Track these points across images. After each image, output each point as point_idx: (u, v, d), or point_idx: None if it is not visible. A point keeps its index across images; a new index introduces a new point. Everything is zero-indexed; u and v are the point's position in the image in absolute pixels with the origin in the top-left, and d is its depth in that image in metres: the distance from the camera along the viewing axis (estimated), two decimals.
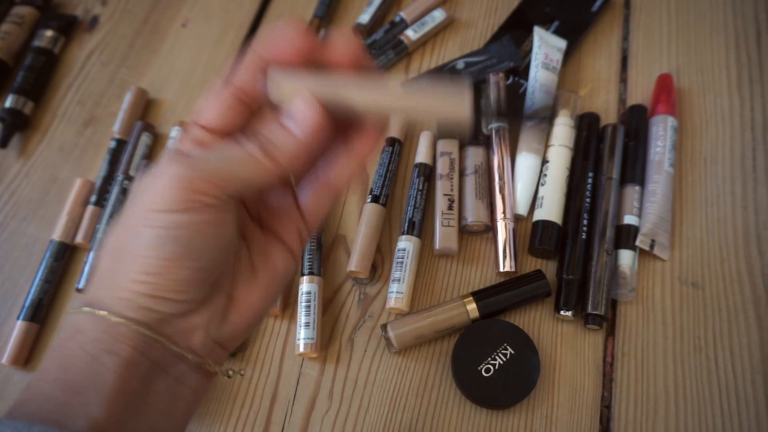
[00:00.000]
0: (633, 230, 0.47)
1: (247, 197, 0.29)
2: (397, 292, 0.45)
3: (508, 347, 0.42)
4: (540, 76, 0.52)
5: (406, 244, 0.47)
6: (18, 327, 0.47)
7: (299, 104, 0.26)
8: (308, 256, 0.48)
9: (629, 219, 0.47)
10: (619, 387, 0.43)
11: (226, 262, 0.29)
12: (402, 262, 0.46)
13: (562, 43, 0.55)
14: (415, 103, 0.26)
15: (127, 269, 0.26)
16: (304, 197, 0.30)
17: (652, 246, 0.46)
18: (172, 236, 0.25)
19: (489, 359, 0.42)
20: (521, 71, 0.54)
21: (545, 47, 0.53)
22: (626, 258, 0.46)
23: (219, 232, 0.26)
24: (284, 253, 0.30)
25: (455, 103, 0.26)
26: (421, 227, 0.48)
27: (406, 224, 0.48)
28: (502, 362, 0.42)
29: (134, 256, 0.26)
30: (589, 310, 0.44)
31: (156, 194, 0.25)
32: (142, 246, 0.25)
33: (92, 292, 0.27)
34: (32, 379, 0.26)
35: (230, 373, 0.31)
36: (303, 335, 0.45)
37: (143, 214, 0.25)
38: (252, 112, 0.28)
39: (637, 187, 0.48)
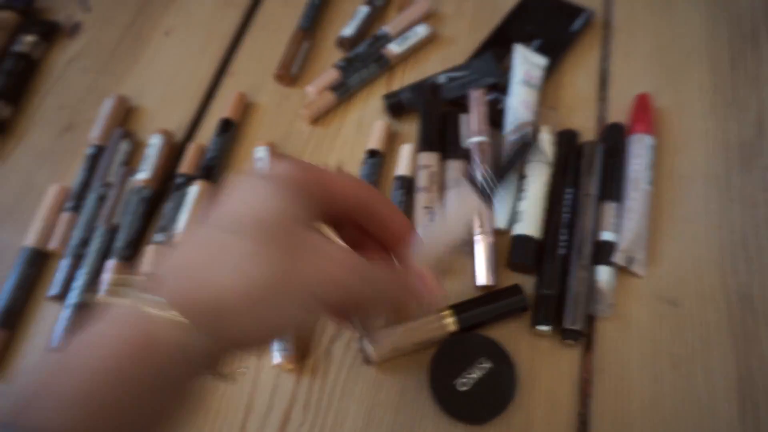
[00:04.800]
0: (611, 246, 0.47)
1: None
2: None
3: (485, 361, 0.42)
4: (520, 92, 0.53)
5: None
6: None
7: (429, 280, 0.33)
8: None
9: (607, 235, 0.47)
10: (595, 403, 0.43)
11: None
12: None
13: (542, 61, 0.55)
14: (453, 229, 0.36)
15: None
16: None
17: (629, 262, 0.47)
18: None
19: (466, 373, 0.41)
20: (502, 87, 0.55)
21: (525, 64, 0.54)
22: (604, 274, 0.46)
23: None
24: None
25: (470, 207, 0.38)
26: None
27: None
28: (479, 376, 0.41)
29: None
30: (567, 325, 0.44)
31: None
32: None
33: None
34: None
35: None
36: (279, 346, 0.44)
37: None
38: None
39: (615, 204, 0.49)
